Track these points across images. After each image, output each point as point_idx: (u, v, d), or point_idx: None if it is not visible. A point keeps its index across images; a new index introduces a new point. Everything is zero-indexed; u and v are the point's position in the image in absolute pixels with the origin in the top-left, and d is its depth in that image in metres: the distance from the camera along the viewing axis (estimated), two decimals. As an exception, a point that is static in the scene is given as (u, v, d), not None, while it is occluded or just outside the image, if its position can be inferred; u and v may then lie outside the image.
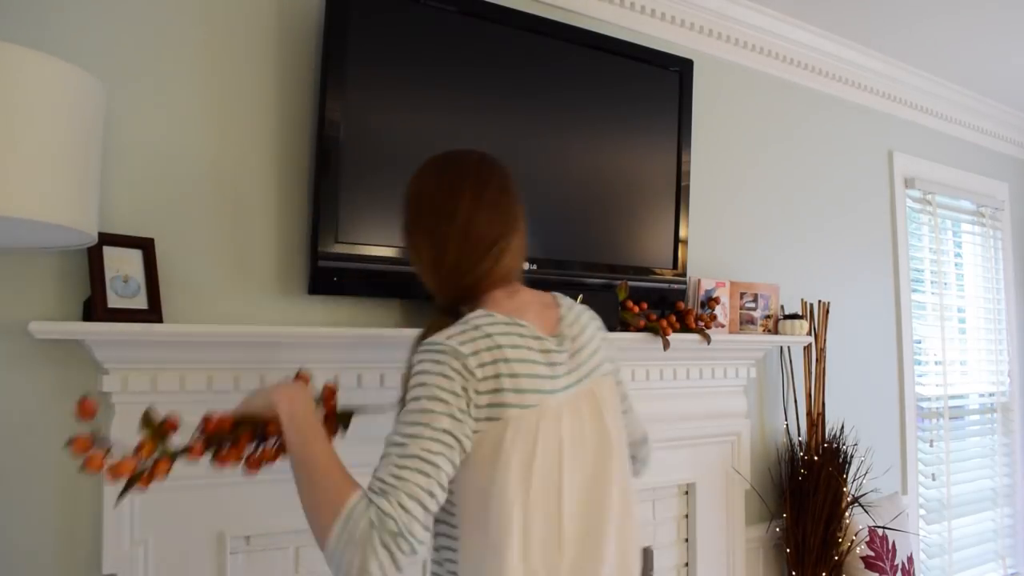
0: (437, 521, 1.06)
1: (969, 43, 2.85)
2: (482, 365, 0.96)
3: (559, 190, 1.97)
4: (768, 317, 2.39)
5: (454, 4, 1.80)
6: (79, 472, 1.01)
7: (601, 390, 1.10)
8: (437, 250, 1.06)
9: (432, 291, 1.11)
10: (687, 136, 2.20)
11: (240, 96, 1.64)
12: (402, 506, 0.87)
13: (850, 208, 2.96)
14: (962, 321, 3.55)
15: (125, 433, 1.43)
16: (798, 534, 2.43)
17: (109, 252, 1.40)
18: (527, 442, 0.97)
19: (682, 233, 2.20)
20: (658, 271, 2.15)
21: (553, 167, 1.96)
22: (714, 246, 2.47)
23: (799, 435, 2.60)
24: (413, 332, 1.15)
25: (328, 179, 1.62)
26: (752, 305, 2.35)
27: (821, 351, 2.62)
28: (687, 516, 2.28)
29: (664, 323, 2.04)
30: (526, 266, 1.88)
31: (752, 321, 2.35)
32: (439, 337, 0.98)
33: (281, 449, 1.10)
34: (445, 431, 0.92)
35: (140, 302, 1.42)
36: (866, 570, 2.46)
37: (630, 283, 2.05)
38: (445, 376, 0.94)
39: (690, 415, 2.23)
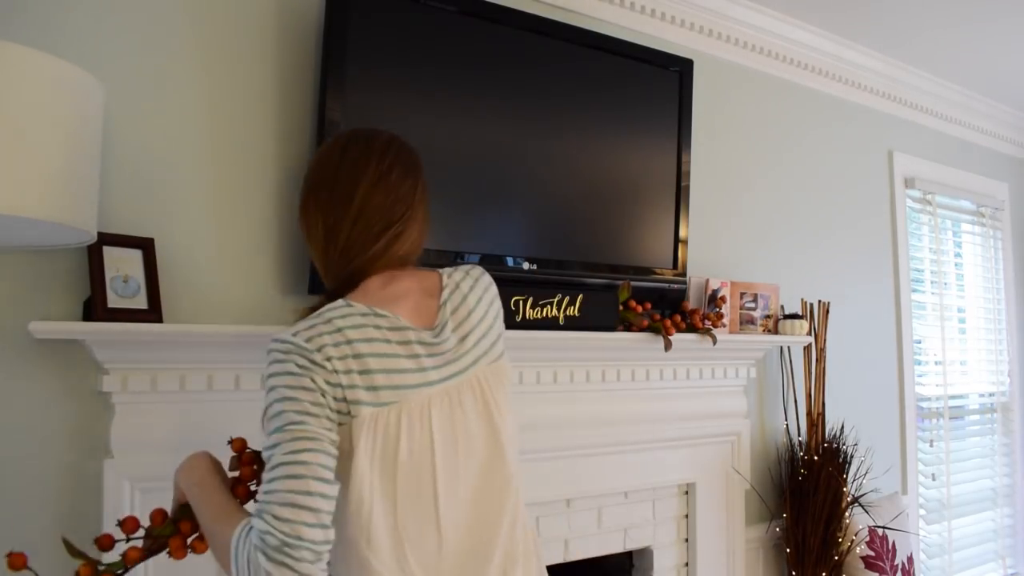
0: None
1: (969, 43, 2.85)
2: (329, 359, 0.90)
3: (559, 190, 1.97)
4: (768, 317, 2.39)
5: (454, 4, 1.80)
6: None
7: (489, 378, 1.04)
8: (329, 230, 1.01)
9: (321, 274, 1.05)
10: (687, 136, 2.21)
11: (240, 96, 1.64)
12: (276, 516, 0.81)
13: (850, 208, 2.96)
14: (962, 321, 3.55)
15: (125, 433, 1.43)
16: (798, 534, 2.43)
17: (109, 252, 1.40)
18: (388, 441, 0.92)
19: (682, 233, 2.20)
20: (658, 271, 2.15)
21: (553, 167, 1.96)
22: (714, 246, 2.47)
23: (799, 435, 2.60)
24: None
25: (328, 179, 1.61)
26: (752, 305, 2.35)
27: (821, 351, 2.62)
28: (687, 516, 2.28)
29: (668, 323, 2.04)
30: (525, 265, 1.88)
31: (752, 321, 2.35)
32: (285, 333, 0.92)
33: None
34: (303, 428, 0.86)
35: (140, 302, 1.42)
36: (866, 570, 2.46)
37: (630, 283, 2.05)
38: (291, 374, 0.89)
39: (690, 415, 2.24)
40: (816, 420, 2.55)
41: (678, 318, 2.09)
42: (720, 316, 2.19)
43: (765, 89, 2.69)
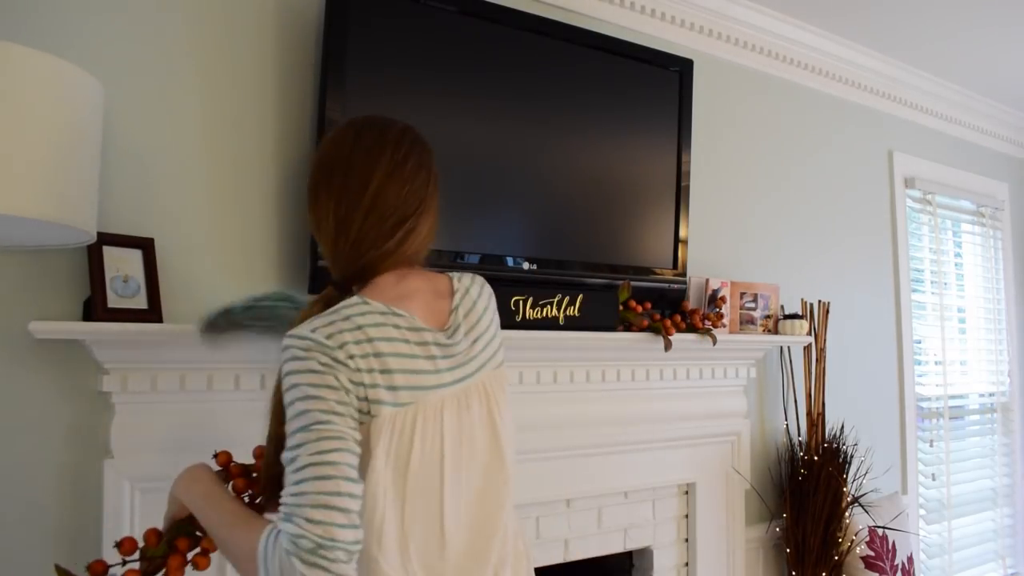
0: None
1: (969, 43, 2.85)
2: (351, 357, 0.88)
3: (559, 190, 1.97)
4: (768, 317, 2.39)
5: (454, 4, 1.80)
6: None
7: (492, 384, 1.04)
8: (340, 220, 0.97)
9: (328, 263, 1.02)
10: (687, 136, 2.20)
11: (240, 96, 1.64)
12: (310, 520, 0.80)
13: (850, 208, 2.96)
14: (962, 321, 3.55)
15: (125, 433, 1.43)
16: (798, 534, 2.43)
17: (109, 252, 1.40)
18: (403, 442, 0.91)
19: (682, 233, 2.20)
20: (658, 271, 2.15)
21: (553, 167, 1.96)
22: (714, 246, 2.47)
23: (799, 435, 2.60)
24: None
25: (328, 179, 1.61)
26: (752, 305, 2.35)
27: (821, 351, 2.62)
28: (687, 516, 2.28)
29: (668, 323, 2.04)
30: (525, 265, 1.88)
31: (752, 321, 2.35)
32: (303, 329, 0.89)
33: None
34: (329, 427, 0.85)
35: (140, 302, 1.42)
36: (866, 570, 2.46)
37: (630, 283, 2.05)
38: (314, 371, 0.86)
39: (690, 415, 2.24)
40: (816, 420, 2.55)
41: (678, 318, 2.09)
42: (720, 316, 2.19)
43: (765, 89, 2.69)
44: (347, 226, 0.97)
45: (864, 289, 2.97)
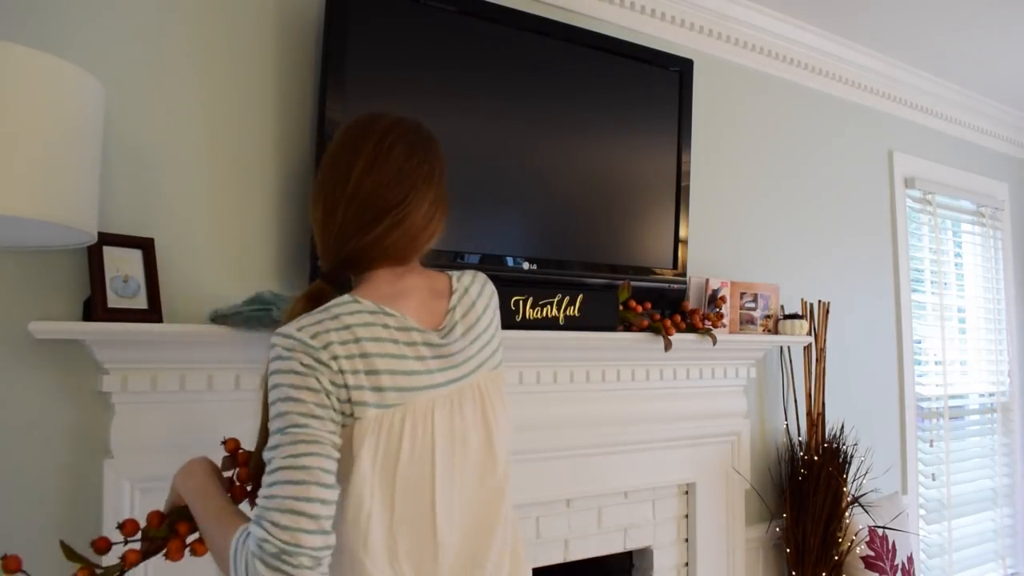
0: None
1: (969, 43, 2.85)
2: (335, 358, 0.87)
3: (559, 190, 1.97)
4: (768, 317, 2.39)
5: (454, 4, 1.80)
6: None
7: (488, 385, 1.02)
8: (327, 210, 0.97)
9: (319, 257, 1.02)
10: (687, 136, 2.21)
11: (240, 96, 1.64)
12: (274, 523, 0.80)
13: (850, 208, 2.96)
14: (962, 321, 3.55)
15: (125, 433, 1.43)
16: (798, 534, 2.43)
17: (109, 252, 1.40)
18: (390, 443, 0.90)
19: (682, 233, 2.20)
20: (658, 271, 2.15)
21: (553, 167, 1.96)
22: (714, 246, 2.47)
23: (799, 435, 2.60)
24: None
25: (328, 179, 1.61)
26: (752, 305, 2.35)
27: (821, 351, 2.62)
28: (687, 516, 2.28)
29: (668, 323, 2.04)
30: (525, 265, 1.88)
31: (752, 321, 2.35)
32: (290, 327, 0.88)
33: None
34: (306, 431, 0.84)
35: (140, 302, 1.42)
36: (866, 570, 2.46)
37: (630, 283, 2.05)
38: (295, 372, 0.86)
39: (690, 415, 2.24)
40: (816, 420, 2.55)
41: (678, 318, 2.09)
42: (720, 316, 2.19)
43: (765, 89, 2.69)
44: (332, 218, 0.97)
45: (864, 289, 2.97)
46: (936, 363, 3.32)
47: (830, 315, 2.72)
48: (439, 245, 1.75)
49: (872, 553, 2.47)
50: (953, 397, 3.38)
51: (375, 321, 0.92)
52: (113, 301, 1.38)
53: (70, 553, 1.05)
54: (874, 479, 2.81)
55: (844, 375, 2.82)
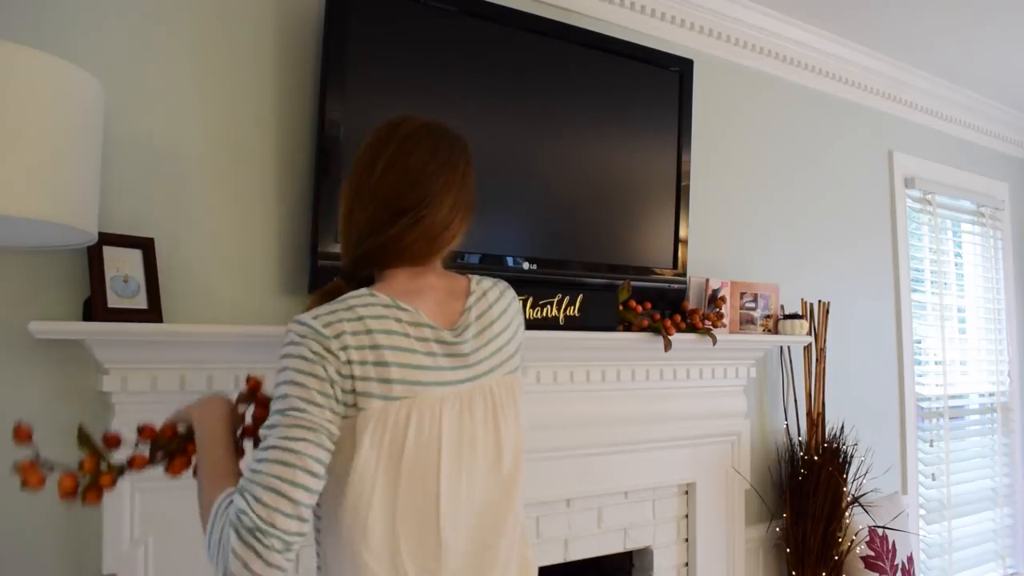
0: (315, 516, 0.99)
1: (969, 43, 2.85)
2: (345, 348, 0.88)
3: (559, 190, 1.97)
4: (768, 317, 2.39)
5: (454, 4, 1.80)
6: (22, 491, 1.06)
7: (501, 388, 1.02)
8: (349, 208, 1.00)
9: (341, 252, 1.04)
10: (687, 136, 2.20)
11: (240, 96, 1.64)
12: (256, 499, 0.81)
13: (850, 208, 2.96)
14: (962, 321, 3.55)
15: (125, 433, 1.43)
16: (798, 534, 2.43)
17: (109, 252, 1.40)
18: (395, 436, 0.90)
19: (682, 233, 2.20)
20: (658, 271, 2.15)
21: (553, 167, 1.96)
22: (714, 246, 2.47)
23: (799, 435, 2.60)
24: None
25: (328, 179, 1.62)
26: (752, 305, 2.35)
27: (821, 351, 2.62)
28: (687, 516, 2.28)
29: (668, 323, 2.04)
30: (525, 265, 1.88)
31: (752, 321, 2.35)
32: (306, 316, 0.91)
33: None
34: (304, 416, 0.86)
35: (140, 302, 1.42)
36: (866, 570, 2.46)
37: (630, 283, 2.05)
38: (304, 358, 0.88)
39: (690, 415, 2.23)
40: (816, 420, 2.55)
41: (678, 318, 2.09)
42: (720, 316, 2.19)
43: (765, 89, 2.69)
44: (353, 215, 0.99)
45: (864, 289, 2.97)
46: (936, 363, 3.32)
47: (830, 315, 2.72)
48: (439, 245, 1.75)
49: (872, 553, 2.47)
50: (953, 397, 3.38)
51: (388, 314, 0.93)
52: (113, 301, 1.38)
53: (83, 438, 1.07)
54: (874, 479, 2.81)
55: (844, 375, 2.82)
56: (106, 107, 1.39)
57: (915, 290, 3.22)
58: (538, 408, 1.92)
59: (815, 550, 2.40)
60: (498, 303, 1.07)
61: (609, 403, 2.06)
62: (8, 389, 1.37)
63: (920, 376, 3.21)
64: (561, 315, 1.89)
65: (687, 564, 2.27)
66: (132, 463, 1.08)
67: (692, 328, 2.11)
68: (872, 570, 2.46)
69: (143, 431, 1.09)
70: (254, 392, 1.13)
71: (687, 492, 2.28)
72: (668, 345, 2.02)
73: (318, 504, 0.94)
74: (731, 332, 2.29)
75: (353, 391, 0.89)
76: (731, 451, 2.35)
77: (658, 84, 2.17)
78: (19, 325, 1.35)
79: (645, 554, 2.21)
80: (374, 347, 0.90)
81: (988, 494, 3.52)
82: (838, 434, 2.54)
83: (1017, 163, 3.85)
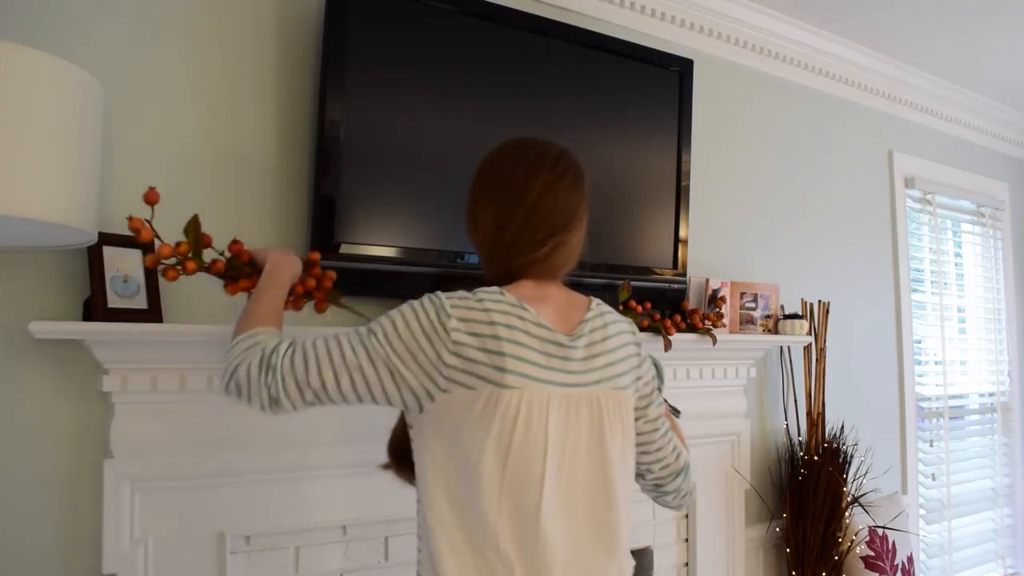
0: (417, 510, 1.08)
1: (969, 43, 2.85)
2: (459, 330, 0.98)
3: (559, 190, 1.97)
4: (768, 317, 2.39)
5: (454, 4, 1.79)
6: (133, 234, 1.25)
7: (609, 402, 1.07)
8: (498, 226, 1.08)
9: (483, 265, 1.13)
10: (687, 136, 2.20)
11: (240, 96, 1.64)
12: (293, 355, 1.00)
13: (850, 208, 2.96)
14: (962, 321, 3.55)
15: (125, 433, 1.43)
16: (798, 534, 2.43)
17: (109, 252, 1.40)
18: (505, 420, 0.97)
19: (682, 233, 2.20)
20: (658, 271, 2.15)
21: (553, 167, 1.96)
22: (714, 246, 2.47)
23: (799, 435, 2.60)
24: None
25: (328, 179, 1.62)
26: (752, 305, 2.35)
27: (821, 351, 2.62)
28: (687, 516, 2.28)
29: (668, 323, 2.04)
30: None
31: (752, 321, 2.35)
32: (443, 294, 1.02)
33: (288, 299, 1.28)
34: (377, 350, 0.98)
35: (140, 302, 1.42)
36: (866, 570, 2.46)
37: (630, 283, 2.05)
38: (418, 320, 0.99)
39: (690, 415, 2.22)
40: (816, 420, 2.55)
41: (678, 318, 2.09)
42: (720, 316, 2.19)
43: (765, 89, 2.69)
44: (503, 234, 1.08)
45: (864, 289, 2.97)
46: (936, 363, 3.32)
47: (830, 315, 2.72)
48: (440, 245, 1.76)
49: (872, 553, 2.47)
50: (953, 397, 3.38)
51: (512, 312, 1.02)
52: (113, 301, 1.38)
53: (190, 226, 1.26)
54: (874, 479, 2.81)
55: (844, 375, 2.82)
56: (106, 107, 1.39)
57: (915, 290, 3.22)
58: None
59: (815, 550, 2.40)
60: (614, 326, 1.13)
61: (609, 403, 2.05)
62: (8, 389, 1.37)
63: (920, 376, 3.21)
64: (561, 315, 1.89)
65: (687, 564, 2.27)
66: (214, 264, 1.28)
67: (692, 328, 2.11)
68: (872, 570, 2.46)
69: (232, 245, 1.30)
70: (315, 264, 1.36)
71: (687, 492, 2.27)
72: (668, 345, 2.02)
73: (419, 488, 1.05)
74: (731, 332, 2.29)
75: (464, 371, 0.97)
76: (731, 451, 2.35)
77: (658, 84, 2.17)
78: (19, 325, 1.35)
79: (645, 554, 2.21)
80: (494, 337, 0.98)
81: (988, 494, 3.52)
82: (838, 434, 2.54)
83: (1017, 163, 3.85)
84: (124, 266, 1.42)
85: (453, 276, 1.74)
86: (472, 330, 0.98)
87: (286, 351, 1.01)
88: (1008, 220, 3.71)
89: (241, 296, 1.29)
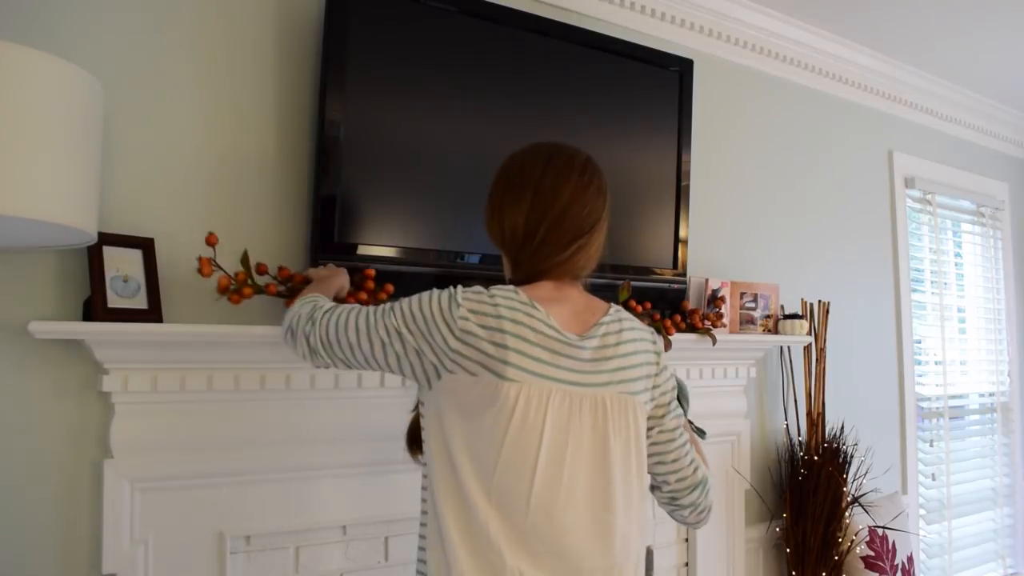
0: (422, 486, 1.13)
1: (969, 43, 2.85)
2: (467, 319, 1.03)
3: (559, 190, 1.97)
4: (768, 317, 2.39)
5: (454, 4, 1.79)
6: (197, 274, 1.46)
7: (615, 404, 1.08)
8: (528, 229, 1.10)
9: (506, 264, 1.17)
10: (687, 136, 2.20)
11: (240, 95, 1.64)
12: (331, 315, 1.14)
13: (850, 208, 2.96)
14: (962, 321, 3.55)
15: (125, 433, 1.43)
16: (798, 534, 2.43)
17: (109, 252, 1.40)
18: (503, 410, 1.01)
19: (682, 233, 2.20)
20: (658, 271, 2.15)
21: (553, 167, 1.96)
22: (714, 246, 2.47)
23: (799, 435, 2.60)
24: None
25: (328, 179, 1.62)
26: (752, 305, 2.35)
27: (821, 351, 2.62)
28: (687, 516, 2.27)
29: (668, 323, 2.04)
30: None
31: (752, 321, 2.35)
32: (460, 287, 1.07)
33: None
34: (394, 325, 1.07)
35: (140, 302, 1.42)
36: (866, 570, 2.46)
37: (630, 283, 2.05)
38: (427, 304, 1.06)
39: (690, 415, 2.23)
40: (816, 420, 2.55)
41: (678, 318, 2.09)
42: (720, 316, 2.19)
43: (765, 89, 2.69)
44: (533, 236, 1.11)
45: (864, 289, 2.97)
46: (936, 363, 3.32)
47: (830, 315, 2.72)
48: (440, 245, 1.76)
49: (872, 553, 2.47)
50: (953, 397, 3.37)
51: (522, 309, 1.05)
52: (113, 301, 1.38)
53: (244, 260, 1.48)
54: (874, 479, 2.81)
55: (844, 375, 2.82)
56: (106, 107, 1.39)
57: (915, 290, 3.22)
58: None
59: (815, 550, 2.40)
60: (631, 332, 1.15)
61: (609, 403, 2.05)
62: (8, 389, 1.37)
63: (920, 376, 3.21)
64: (561, 315, 1.89)
65: (687, 564, 2.27)
66: (267, 288, 1.47)
67: (692, 328, 2.11)
68: (872, 570, 2.46)
69: (282, 270, 1.51)
70: (370, 278, 1.56)
71: (687, 492, 2.27)
72: (668, 345, 2.01)
73: (425, 476, 1.11)
74: (731, 332, 2.29)
75: (467, 358, 1.02)
76: (731, 451, 2.35)
77: (658, 84, 2.16)
78: (19, 325, 1.34)
79: (645, 554, 2.21)
80: (500, 330, 1.02)
81: (988, 494, 3.52)
82: (838, 434, 2.54)
83: (1017, 163, 3.85)
84: (124, 266, 1.42)
85: (453, 276, 1.74)
86: (482, 322, 1.02)
87: (328, 310, 1.15)
88: (1008, 220, 3.71)
89: None
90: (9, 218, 1.09)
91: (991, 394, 3.59)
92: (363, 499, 1.68)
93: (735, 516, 2.35)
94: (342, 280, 1.42)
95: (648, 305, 2.07)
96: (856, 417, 2.82)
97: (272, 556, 1.59)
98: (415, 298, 1.08)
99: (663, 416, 1.18)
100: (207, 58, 1.60)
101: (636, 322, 1.18)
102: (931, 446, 3.25)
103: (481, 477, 1.01)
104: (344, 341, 1.11)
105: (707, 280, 2.27)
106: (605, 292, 1.98)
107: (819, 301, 2.67)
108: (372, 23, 1.67)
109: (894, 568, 2.51)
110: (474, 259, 1.81)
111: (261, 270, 1.50)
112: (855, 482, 2.56)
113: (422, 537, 1.11)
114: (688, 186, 2.21)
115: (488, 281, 1.15)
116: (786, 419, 2.60)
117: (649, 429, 1.17)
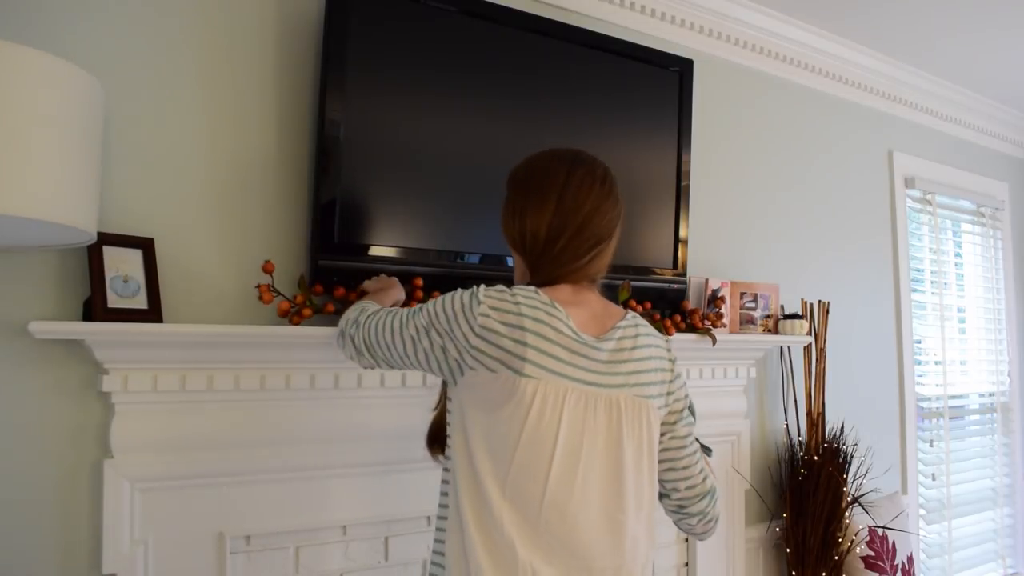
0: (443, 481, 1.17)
1: (969, 43, 2.85)
2: (487, 316, 1.05)
3: (559, 190, 1.97)
4: (768, 317, 2.39)
5: (454, 4, 1.79)
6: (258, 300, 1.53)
7: (629, 406, 1.10)
8: (551, 237, 1.13)
9: (525, 266, 1.18)
10: (687, 136, 2.20)
11: (240, 96, 1.64)
12: (373, 318, 1.22)
13: (850, 208, 2.96)
14: (962, 321, 3.55)
15: (125, 433, 1.43)
16: (798, 534, 2.43)
17: (109, 252, 1.40)
18: (520, 407, 1.03)
19: (682, 233, 2.20)
20: (658, 271, 2.15)
21: (553, 167, 1.96)
22: (714, 246, 2.47)
23: (799, 435, 2.60)
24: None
25: (328, 179, 1.62)
26: (752, 305, 2.35)
27: (821, 351, 2.62)
28: (687, 516, 2.27)
29: (668, 323, 2.04)
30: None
31: (752, 321, 2.35)
32: (483, 286, 1.10)
33: None
34: (422, 324, 1.12)
35: (140, 302, 1.42)
36: (866, 570, 2.46)
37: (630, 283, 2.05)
38: (450, 303, 1.10)
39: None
40: (816, 420, 2.55)
41: (678, 318, 2.09)
42: (720, 316, 2.19)
43: (765, 89, 2.69)
44: (554, 243, 1.13)
45: (864, 289, 2.97)
46: (936, 363, 3.32)
47: (830, 315, 2.72)
48: (440, 245, 1.76)
49: (872, 553, 2.47)
50: (953, 397, 3.38)
51: (542, 308, 1.08)
52: (113, 301, 1.38)
53: (302, 283, 1.56)
54: (874, 479, 2.81)
55: (844, 375, 2.82)
56: (106, 107, 1.39)
57: (915, 290, 3.22)
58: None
59: (815, 550, 2.40)
60: (646, 339, 1.17)
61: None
62: (8, 389, 1.37)
63: (920, 376, 3.21)
64: (561, 315, 1.89)
65: (687, 564, 2.27)
66: (325, 307, 1.55)
67: (692, 328, 2.11)
68: (872, 570, 2.46)
69: (336, 289, 1.57)
70: (419, 288, 1.64)
71: (687, 492, 2.27)
72: (668, 345, 2.01)
73: (446, 469, 1.15)
74: (731, 332, 2.29)
75: (487, 355, 1.05)
76: (731, 451, 2.35)
77: (658, 84, 2.16)
78: (19, 325, 1.35)
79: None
80: (520, 327, 1.05)
81: (988, 494, 3.52)
82: (838, 434, 2.54)
83: (1017, 163, 3.85)
84: (124, 266, 1.42)
85: (453, 276, 1.74)
86: (503, 319, 1.05)
87: (372, 314, 1.23)
88: (1008, 220, 3.71)
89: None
90: (9, 218, 1.09)
91: (991, 394, 3.59)
92: (363, 499, 1.68)
93: (735, 516, 2.35)
94: (397, 292, 1.51)
95: (648, 305, 2.07)
96: (856, 417, 2.82)
97: (272, 556, 1.60)
98: (441, 298, 1.13)
99: (676, 423, 1.20)
100: (207, 58, 1.60)
101: (652, 330, 1.21)
102: (931, 446, 3.25)
103: (497, 471, 1.04)
104: (382, 341, 1.18)
105: (707, 280, 2.27)
106: (605, 292, 1.98)
107: (819, 301, 2.67)
108: (372, 23, 1.67)
109: (894, 568, 2.51)
110: (474, 259, 1.81)
111: (318, 291, 1.57)
112: (855, 482, 2.56)
113: (440, 530, 1.14)
114: (688, 186, 2.21)
115: (487, 281, 1.16)
116: (786, 419, 2.60)
117: (661, 435, 1.18)
